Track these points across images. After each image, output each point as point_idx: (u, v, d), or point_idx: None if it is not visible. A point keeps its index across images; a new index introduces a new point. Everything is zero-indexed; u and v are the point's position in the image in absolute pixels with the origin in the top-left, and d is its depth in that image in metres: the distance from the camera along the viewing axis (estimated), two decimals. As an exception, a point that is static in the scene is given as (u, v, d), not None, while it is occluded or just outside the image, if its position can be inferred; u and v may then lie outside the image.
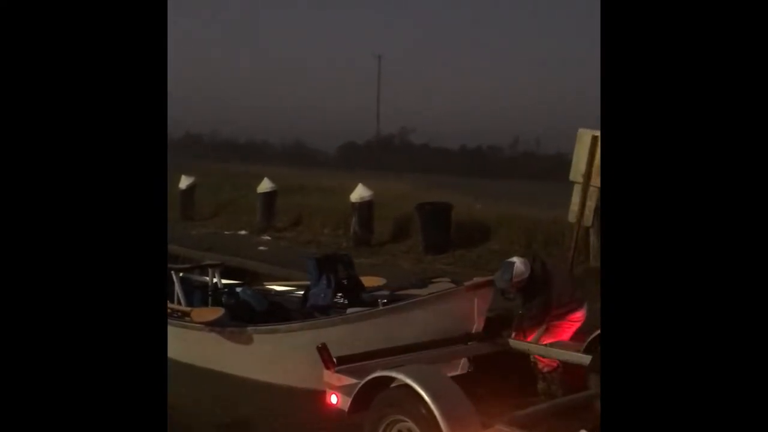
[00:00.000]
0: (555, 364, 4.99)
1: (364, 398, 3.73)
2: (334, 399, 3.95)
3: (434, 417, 3.29)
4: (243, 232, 13.19)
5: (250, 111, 68.04)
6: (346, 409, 3.81)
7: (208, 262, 8.06)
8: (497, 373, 4.96)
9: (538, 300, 5.14)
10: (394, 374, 3.56)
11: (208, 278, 7.22)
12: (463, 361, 5.08)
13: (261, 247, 11.44)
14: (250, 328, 5.86)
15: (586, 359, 4.66)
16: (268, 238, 12.44)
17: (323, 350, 4.17)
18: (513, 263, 5.08)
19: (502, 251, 10.07)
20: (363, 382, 3.73)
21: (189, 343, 6.21)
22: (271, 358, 5.67)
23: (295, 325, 5.78)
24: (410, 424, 3.45)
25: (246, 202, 14.63)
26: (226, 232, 13.35)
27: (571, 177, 8.56)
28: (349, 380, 3.99)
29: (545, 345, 5.06)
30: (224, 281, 7.34)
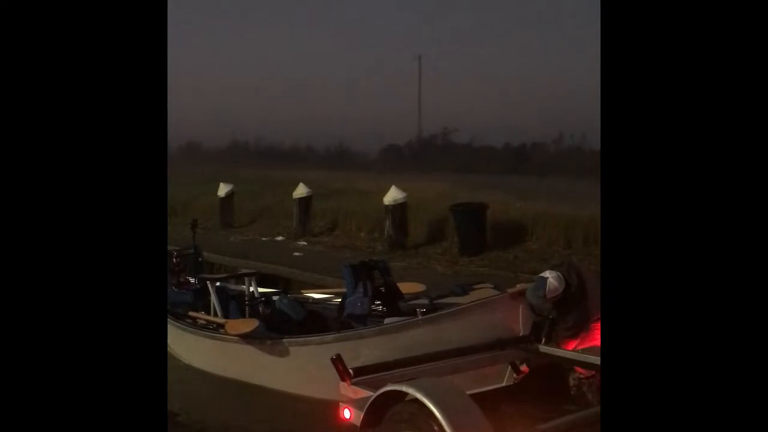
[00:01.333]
0: (591, 371, 4.72)
1: (376, 413, 3.56)
2: (347, 413, 3.79)
3: (446, 435, 3.10)
4: (280, 238, 13.19)
5: (294, 117, 68.80)
6: (359, 425, 3.64)
7: (244, 271, 8.03)
8: (538, 381, 4.74)
9: (575, 313, 4.89)
10: (404, 388, 3.37)
11: (244, 287, 7.16)
12: (509, 370, 4.86)
13: (296, 253, 11.40)
14: (285, 340, 5.78)
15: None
16: (304, 243, 12.40)
17: (338, 362, 4.02)
18: (546, 279, 4.80)
19: (539, 251, 9.78)
20: (374, 396, 3.56)
21: (224, 356, 6.21)
22: (305, 370, 5.57)
23: (329, 336, 5.66)
24: (423, 441, 3.26)
25: (284, 208, 14.64)
26: (263, 239, 13.38)
27: (609, 172, 8.20)
28: (366, 393, 3.83)
29: (577, 351, 4.81)
30: (261, 290, 7.28)
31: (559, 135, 38.13)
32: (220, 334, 6.17)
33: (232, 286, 7.51)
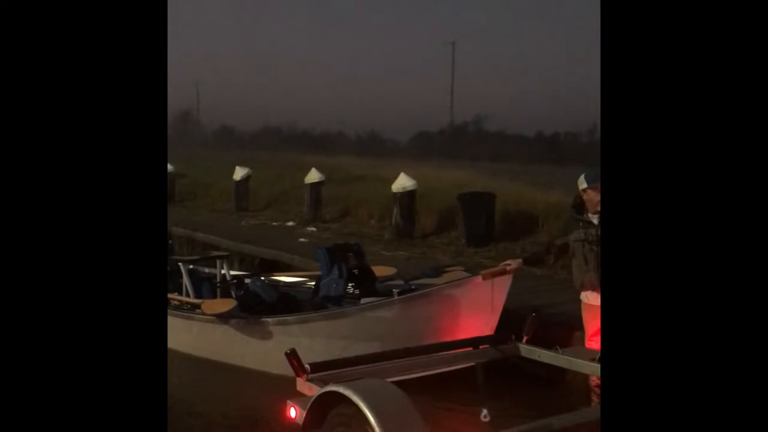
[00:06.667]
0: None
1: (319, 413, 3.35)
2: (293, 413, 3.57)
3: (380, 442, 2.88)
4: (291, 224, 13.06)
5: (327, 103, 68.75)
6: (301, 424, 3.44)
7: (215, 253, 8.15)
8: (509, 382, 4.47)
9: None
10: (341, 390, 3.15)
11: (216, 270, 7.21)
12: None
13: (302, 239, 11.24)
14: (264, 319, 5.75)
15: (598, 369, 4.09)
16: (313, 229, 12.24)
17: (292, 357, 3.81)
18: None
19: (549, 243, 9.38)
20: (314, 396, 3.36)
21: (198, 335, 6.21)
22: (283, 349, 5.50)
23: (309, 315, 5.66)
24: (360, 446, 3.05)
25: (299, 194, 14.51)
26: (273, 224, 13.27)
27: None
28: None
29: (560, 352, 4.48)
30: (233, 272, 7.34)
31: (593, 125, 37.32)
32: (195, 313, 6.16)
33: (203, 269, 7.60)
